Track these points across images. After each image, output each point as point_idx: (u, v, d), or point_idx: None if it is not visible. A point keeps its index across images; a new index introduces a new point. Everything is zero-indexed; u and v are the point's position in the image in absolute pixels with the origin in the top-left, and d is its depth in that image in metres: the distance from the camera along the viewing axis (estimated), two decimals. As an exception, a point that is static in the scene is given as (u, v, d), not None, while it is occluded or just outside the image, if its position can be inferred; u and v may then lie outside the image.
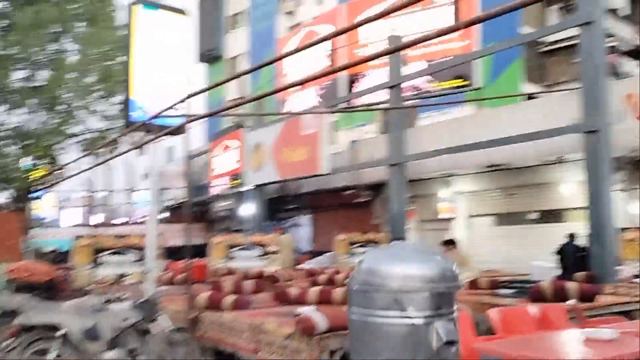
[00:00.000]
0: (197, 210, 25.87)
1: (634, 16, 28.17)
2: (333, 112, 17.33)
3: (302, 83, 16.49)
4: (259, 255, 14.25)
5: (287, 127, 16.99)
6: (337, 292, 6.50)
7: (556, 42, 28.03)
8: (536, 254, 12.29)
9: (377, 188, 16.71)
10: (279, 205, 20.76)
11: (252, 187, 19.18)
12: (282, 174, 17.04)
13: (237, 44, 32.73)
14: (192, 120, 8.11)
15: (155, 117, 7.85)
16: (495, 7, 4.75)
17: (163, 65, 8.99)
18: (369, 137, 17.30)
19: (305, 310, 5.34)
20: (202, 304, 6.30)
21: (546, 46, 28.08)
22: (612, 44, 27.44)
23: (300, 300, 6.52)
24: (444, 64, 14.85)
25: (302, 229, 20.80)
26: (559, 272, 10.05)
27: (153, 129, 8.65)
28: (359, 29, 16.94)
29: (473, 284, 7.76)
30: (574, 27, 9.81)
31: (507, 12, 4.66)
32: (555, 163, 11.86)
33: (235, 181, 19.86)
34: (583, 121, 9.37)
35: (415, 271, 2.24)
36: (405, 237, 12.68)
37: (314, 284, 8.60)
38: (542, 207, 12.71)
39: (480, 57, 14.98)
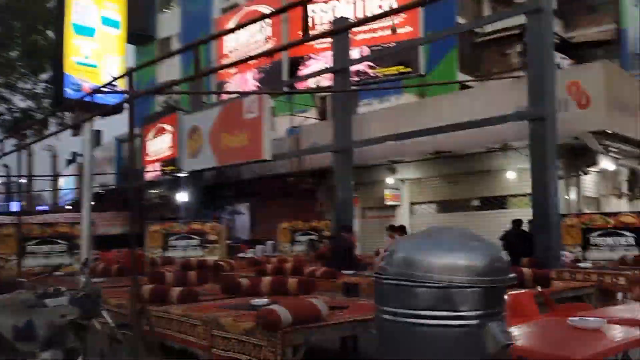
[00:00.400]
0: (128, 197, 24.82)
1: (560, 11, 29.26)
2: (279, 94, 16.91)
3: (240, 62, 15.98)
4: (198, 245, 13.73)
5: (226, 111, 16.39)
6: (292, 282, 6.19)
7: (489, 33, 28.77)
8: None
9: (320, 175, 16.47)
10: (217, 192, 20.17)
11: (188, 174, 18.45)
12: (220, 160, 16.43)
13: (169, 24, 31.53)
14: (137, 96, 7.51)
15: (96, 92, 7.21)
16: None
17: (100, 40, 8.31)
18: (311, 123, 17.02)
19: (264, 302, 5.00)
20: (145, 297, 5.81)
21: (480, 37, 28.75)
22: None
23: (252, 291, 6.16)
24: (389, 49, 14.78)
25: (241, 218, 20.33)
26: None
27: (88, 107, 8.00)
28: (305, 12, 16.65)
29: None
30: (523, 13, 9.83)
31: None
32: (499, 150, 12.00)
33: (170, 167, 19.07)
34: (529, 109, 9.45)
35: (466, 262, 1.91)
36: (353, 224, 12.50)
37: (261, 273, 8.23)
38: (485, 194, 12.88)
39: (423, 43, 15.01)
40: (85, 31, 8.15)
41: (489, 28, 28.18)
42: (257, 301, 5.18)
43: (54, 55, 8.08)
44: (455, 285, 1.81)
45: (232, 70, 19.07)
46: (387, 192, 14.48)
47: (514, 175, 12.12)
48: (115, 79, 7.85)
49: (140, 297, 5.81)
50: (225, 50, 19.14)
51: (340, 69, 13.35)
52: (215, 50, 19.83)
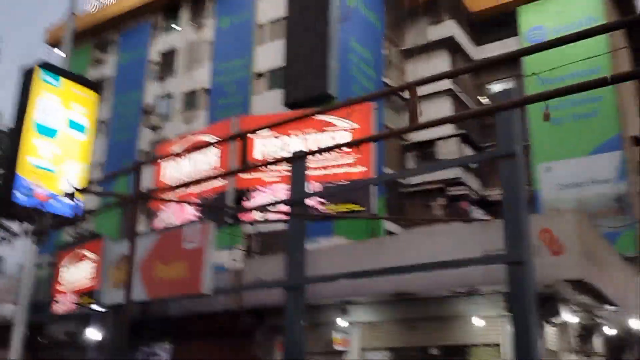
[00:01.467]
0: (30, 333, 21.84)
1: (478, 170, 31.27)
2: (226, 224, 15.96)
3: (178, 187, 15.21)
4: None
5: (163, 239, 15.18)
6: None
7: (415, 185, 29.99)
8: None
9: (260, 314, 15.23)
10: (140, 331, 18.03)
11: (109, 308, 16.49)
12: (151, 293, 14.87)
13: (94, 153, 30.58)
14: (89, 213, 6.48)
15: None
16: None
17: (62, 143, 7.42)
18: (255, 259, 16.07)
19: None
20: None
21: (406, 188, 29.86)
22: (464, 192, 30.07)
23: None
24: (343, 186, 14.60)
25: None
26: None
27: (37, 216, 6.85)
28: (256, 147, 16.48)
29: None
30: (496, 158, 9.95)
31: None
32: (464, 295, 11.54)
33: (87, 299, 17.06)
34: (506, 252, 9.20)
35: None
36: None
37: None
38: (446, 342, 12.14)
39: (372, 183, 15.06)
40: (47, 132, 7.24)
41: (413, 181, 29.47)
42: None
43: (7, 152, 6.99)
44: None
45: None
46: (336, 335, 13.41)
47: (481, 323, 11.59)
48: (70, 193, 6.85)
49: None
50: (162, 178, 18.29)
51: (297, 199, 12.85)
52: (151, 179, 18.92)
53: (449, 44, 30.71)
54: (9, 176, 6.81)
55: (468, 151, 29.87)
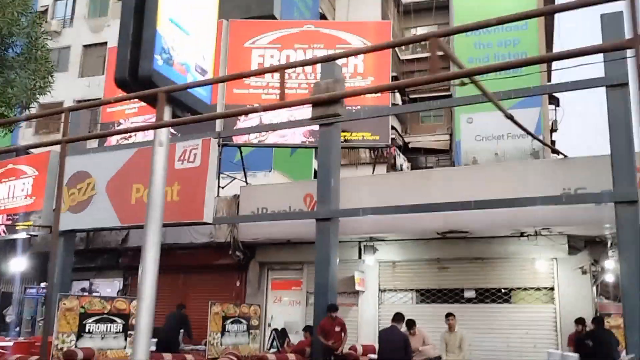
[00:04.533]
0: None
1: (402, 116, 31.10)
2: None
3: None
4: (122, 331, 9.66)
5: (141, 156, 12.65)
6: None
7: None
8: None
9: (251, 249, 13.50)
10: (82, 262, 15.30)
11: (61, 234, 13.60)
12: (125, 218, 12.41)
13: None
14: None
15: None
16: None
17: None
18: (256, 184, 14.15)
19: None
20: None
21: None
22: (392, 137, 29.74)
23: None
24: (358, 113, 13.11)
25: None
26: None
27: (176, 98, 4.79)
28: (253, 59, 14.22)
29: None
30: (605, 86, 9.04)
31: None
32: (523, 236, 10.78)
33: (25, 223, 14.01)
34: (615, 191, 8.49)
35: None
36: (337, 308, 9.92)
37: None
38: (484, 285, 11.38)
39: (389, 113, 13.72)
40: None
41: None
42: None
43: None
44: None
45: (131, 108, 15.34)
46: (357, 275, 12.13)
47: (532, 265, 10.96)
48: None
49: None
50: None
51: (325, 119, 11.13)
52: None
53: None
54: (149, 31, 4.51)
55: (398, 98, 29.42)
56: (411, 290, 12.05)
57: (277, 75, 14.19)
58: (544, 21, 30.58)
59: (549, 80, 27.47)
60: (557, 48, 34.38)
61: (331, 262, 10.41)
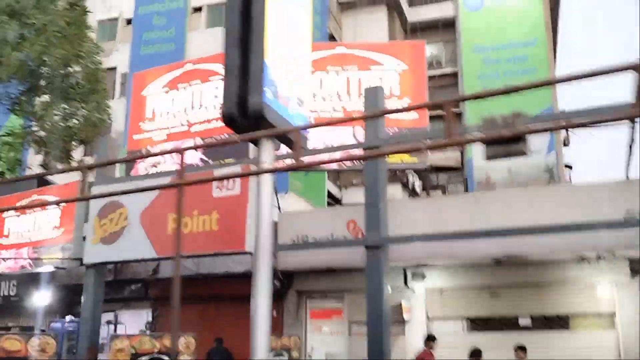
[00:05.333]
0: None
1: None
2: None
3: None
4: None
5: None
6: None
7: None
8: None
9: (289, 277, 13.10)
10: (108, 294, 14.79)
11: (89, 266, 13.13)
12: (162, 250, 11.99)
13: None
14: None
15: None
16: None
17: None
18: (294, 210, 13.78)
19: None
20: None
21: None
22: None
23: None
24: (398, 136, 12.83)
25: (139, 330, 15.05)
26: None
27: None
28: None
29: None
30: None
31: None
32: (591, 260, 10.40)
33: (53, 255, 13.56)
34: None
35: None
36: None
37: None
38: (540, 311, 10.98)
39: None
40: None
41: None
42: None
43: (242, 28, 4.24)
44: None
45: (159, 135, 14.98)
46: (404, 303, 11.72)
47: (592, 290, 10.59)
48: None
49: None
50: (148, 112, 14.93)
51: (372, 142, 10.81)
52: (131, 113, 15.41)
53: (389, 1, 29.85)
54: (256, 62, 4.18)
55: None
56: (462, 318, 11.65)
57: (312, 99, 13.92)
58: (552, 37, 30.66)
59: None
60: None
61: (383, 291, 10.04)
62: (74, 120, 7.47)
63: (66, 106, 7.23)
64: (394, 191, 25.42)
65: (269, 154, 4.55)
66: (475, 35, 29.13)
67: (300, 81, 4.88)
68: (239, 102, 4.30)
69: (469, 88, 27.56)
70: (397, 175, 27.77)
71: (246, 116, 4.27)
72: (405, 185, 29.81)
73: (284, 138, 4.65)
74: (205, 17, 27.54)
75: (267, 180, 4.60)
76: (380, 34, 30.12)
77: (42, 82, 7.47)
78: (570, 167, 34.55)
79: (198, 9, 27.37)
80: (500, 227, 9.54)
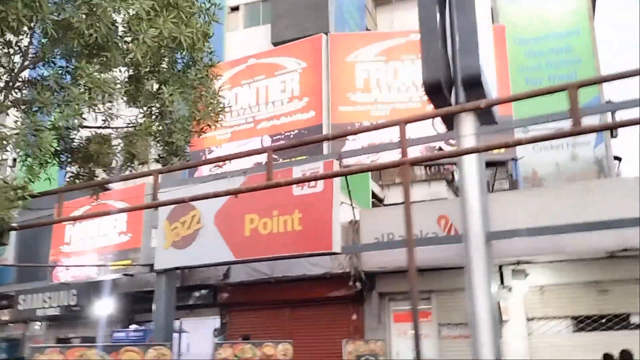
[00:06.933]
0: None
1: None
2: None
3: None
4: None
5: (251, 184, 11.65)
6: None
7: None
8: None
9: (371, 278, 12.42)
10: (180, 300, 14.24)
11: (160, 272, 12.56)
12: (240, 253, 11.39)
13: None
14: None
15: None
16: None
17: None
18: (374, 208, 13.13)
19: None
20: None
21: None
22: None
23: None
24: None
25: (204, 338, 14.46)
26: None
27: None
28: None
29: None
30: None
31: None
32: None
33: (122, 262, 13.05)
34: None
35: None
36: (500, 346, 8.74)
37: None
38: (658, 307, 10.17)
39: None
40: None
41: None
42: None
43: None
44: None
45: (223, 134, 14.40)
46: (503, 302, 10.98)
47: None
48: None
49: None
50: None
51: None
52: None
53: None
54: (464, 19, 3.51)
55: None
56: (566, 317, 10.84)
57: (385, 89, 13.28)
58: (595, 26, 29.63)
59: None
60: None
61: (489, 290, 9.29)
62: (195, 111, 6.90)
63: (188, 93, 6.67)
64: (439, 189, 24.55)
65: (471, 128, 3.87)
66: (516, 26, 28.27)
67: (487, 52, 4.23)
68: (446, 66, 3.63)
69: (512, 81, 26.71)
70: (442, 172, 26.93)
71: (457, 84, 3.60)
72: (449, 182, 28.91)
73: (484, 113, 3.98)
74: (243, 17, 27.02)
75: (471, 161, 3.94)
76: (415, 29, 29.40)
77: (164, 66, 6.87)
78: (620, 159, 33.46)
79: (235, 8, 26.86)
80: (617, 218, 8.75)
